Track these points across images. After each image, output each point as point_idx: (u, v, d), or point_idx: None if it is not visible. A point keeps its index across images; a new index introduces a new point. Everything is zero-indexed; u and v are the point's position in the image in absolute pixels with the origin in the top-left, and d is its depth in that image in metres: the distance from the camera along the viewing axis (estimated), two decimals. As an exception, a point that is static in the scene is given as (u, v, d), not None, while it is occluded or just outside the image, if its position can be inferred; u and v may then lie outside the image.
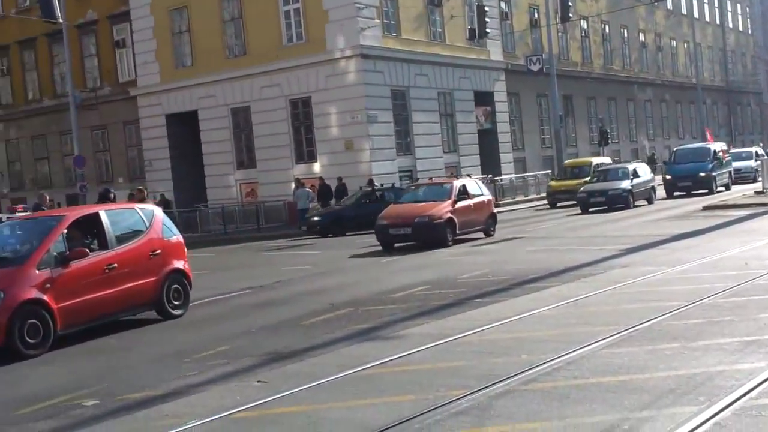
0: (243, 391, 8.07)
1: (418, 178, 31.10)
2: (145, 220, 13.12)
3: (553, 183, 34.89)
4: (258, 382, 8.37)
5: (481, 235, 22.69)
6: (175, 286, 13.10)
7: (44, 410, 8.12)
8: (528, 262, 16.46)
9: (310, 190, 29.71)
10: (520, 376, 7.53)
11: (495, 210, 23.91)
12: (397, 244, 21.34)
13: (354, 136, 31.72)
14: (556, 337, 9.09)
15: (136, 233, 12.87)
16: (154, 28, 35.39)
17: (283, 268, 19.29)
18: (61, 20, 31.49)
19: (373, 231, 22.17)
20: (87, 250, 11.83)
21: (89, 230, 12.58)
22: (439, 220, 20.64)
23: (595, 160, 35.86)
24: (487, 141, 38.82)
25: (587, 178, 32.20)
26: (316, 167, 32.41)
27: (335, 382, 7.99)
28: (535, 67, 39.02)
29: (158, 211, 13.83)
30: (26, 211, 23.62)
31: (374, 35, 32.16)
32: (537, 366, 7.81)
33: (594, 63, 51.23)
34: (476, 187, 23.40)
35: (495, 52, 39.80)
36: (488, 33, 35.53)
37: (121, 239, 12.52)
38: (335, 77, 31.74)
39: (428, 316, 11.23)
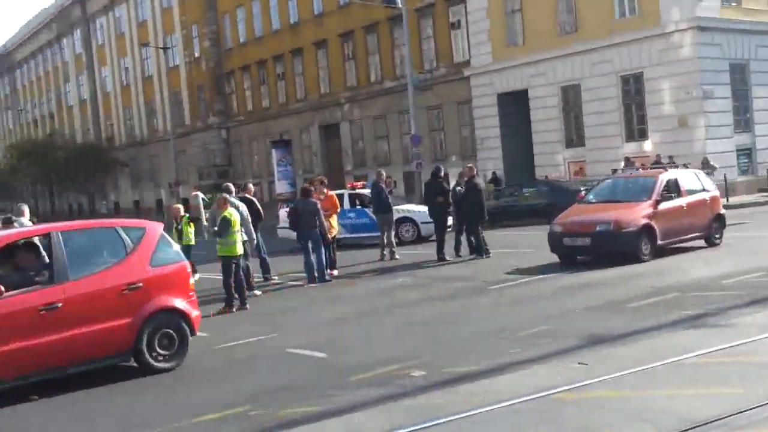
0: (563, 371, 8.15)
1: (616, 170, 27.54)
2: (127, 241, 10.02)
3: None
4: (579, 363, 8.41)
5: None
6: (165, 330, 9.97)
7: (376, 378, 8.67)
8: None
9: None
10: None
11: (722, 210, 18.44)
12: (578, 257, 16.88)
13: (688, 113, 30.34)
14: None
15: (104, 261, 9.98)
16: (487, 9, 36.06)
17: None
18: (400, 6, 33.19)
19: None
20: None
21: (32, 257, 9.98)
22: (628, 228, 16.09)
23: None
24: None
25: None
26: (647, 145, 31.42)
27: (657, 370, 7.83)
28: None
29: (158, 228, 10.66)
30: (366, 188, 25.07)
31: (711, 6, 30.44)
32: None
33: None
34: (693, 180, 18.22)
35: None
36: None
37: (79, 269, 9.58)
38: (669, 51, 30.49)
39: (761, 305, 10.62)
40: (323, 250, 17.14)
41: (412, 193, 35.90)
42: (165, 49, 58.82)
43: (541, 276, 15.27)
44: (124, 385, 9.58)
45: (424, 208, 22.13)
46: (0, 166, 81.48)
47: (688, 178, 18.11)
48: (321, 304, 14.52)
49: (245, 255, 15.40)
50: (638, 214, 16.21)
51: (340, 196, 22.98)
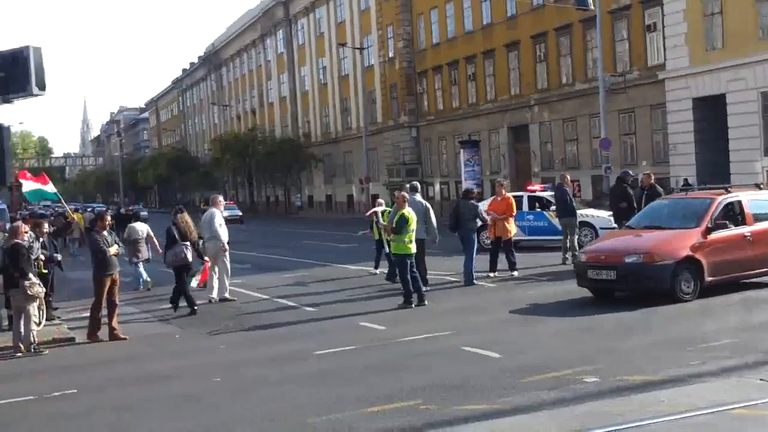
0: (743, 387, 7.99)
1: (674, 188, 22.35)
2: None
3: None
4: (761, 380, 8.23)
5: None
6: None
7: (548, 381, 8.76)
8: None
9: None
10: None
11: None
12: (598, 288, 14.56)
13: None
14: None
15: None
16: (685, 11, 34.88)
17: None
18: (593, 8, 32.71)
19: None
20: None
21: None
22: (663, 261, 13.43)
23: None
24: None
25: None
26: None
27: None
28: None
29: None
30: (546, 191, 24.98)
31: None
32: None
33: None
34: (763, 204, 15.10)
35: None
36: None
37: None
38: None
39: None
40: (474, 252, 17.17)
41: (600, 197, 35.29)
42: (361, 49, 60.49)
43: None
44: (298, 374, 10.18)
45: (605, 214, 21.84)
46: (206, 159, 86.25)
47: (762, 201, 15.23)
48: (497, 304, 14.66)
49: (421, 251, 15.88)
50: (680, 243, 13.70)
51: (519, 199, 23.04)
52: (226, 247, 17.20)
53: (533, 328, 12.20)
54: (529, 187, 27.09)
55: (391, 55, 58.39)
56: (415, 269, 15.05)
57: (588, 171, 40.20)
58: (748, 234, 14.24)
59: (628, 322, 12.21)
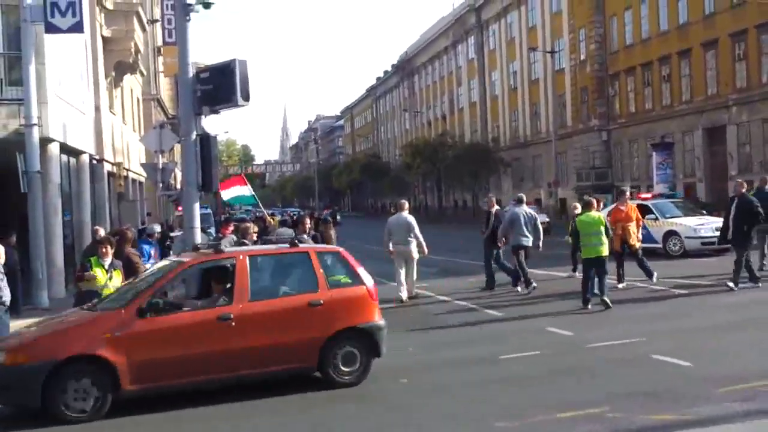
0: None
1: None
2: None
3: None
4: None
5: None
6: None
7: (742, 392, 8.53)
8: None
9: None
10: None
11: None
12: None
13: None
14: None
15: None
16: None
17: None
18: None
19: None
20: None
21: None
22: (33, 363, 9.07)
23: None
24: None
25: None
26: None
27: None
28: None
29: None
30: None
31: None
32: None
33: None
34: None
35: None
36: None
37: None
38: None
39: None
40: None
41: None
42: (552, 52, 59.99)
43: None
44: (484, 378, 10.35)
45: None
46: (396, 164, 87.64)
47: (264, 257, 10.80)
48: (687, 313, 14.35)
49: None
50: (85, 332, 9.50)
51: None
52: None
53: (727, 337, 11.83)
54: (642, 196, 27.06)
55: (582, 57, 57.59)
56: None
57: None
58: (227, 316, 9.78)
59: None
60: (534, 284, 17.98)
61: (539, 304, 16.45)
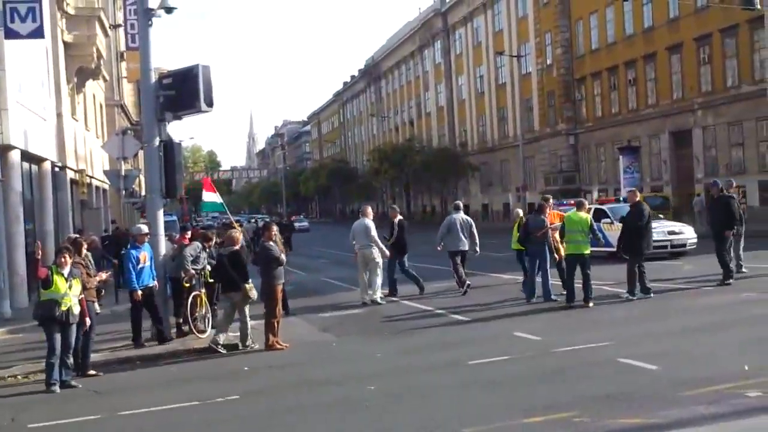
0: None
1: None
2: None
3: None
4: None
5: None
6: None
7: (707, 395, 8.50)
8: None
9: None
10: None
11: None
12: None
13: None
14: None
15: None
16: None
17: None
18: (759, 7, 31.35)
19: None
20: None
21: None
22: None
23: None
24: None
25: None
26: None
27: None
28: None
29: None
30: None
31: None
32: None
33: None
34: None
35: None
36: None
37: None
38: None
39: None
40: (548, 268, 17.23)
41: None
42: (519, 57, 60.26)
43: None
44: (452, 383, 10.28)
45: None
46: (364, 170, 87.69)
47: None
48: (656, 314, 14.37)
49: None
50: None
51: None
52: (387, 253, 19.02)
53: (694, 340, 11.83)
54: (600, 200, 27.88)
55: (548, 62, 57.93)
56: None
57: (755, 177, 38.48)
58: None
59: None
60: (468, 282, 19.19)
61: (506, 307, 16.54)
